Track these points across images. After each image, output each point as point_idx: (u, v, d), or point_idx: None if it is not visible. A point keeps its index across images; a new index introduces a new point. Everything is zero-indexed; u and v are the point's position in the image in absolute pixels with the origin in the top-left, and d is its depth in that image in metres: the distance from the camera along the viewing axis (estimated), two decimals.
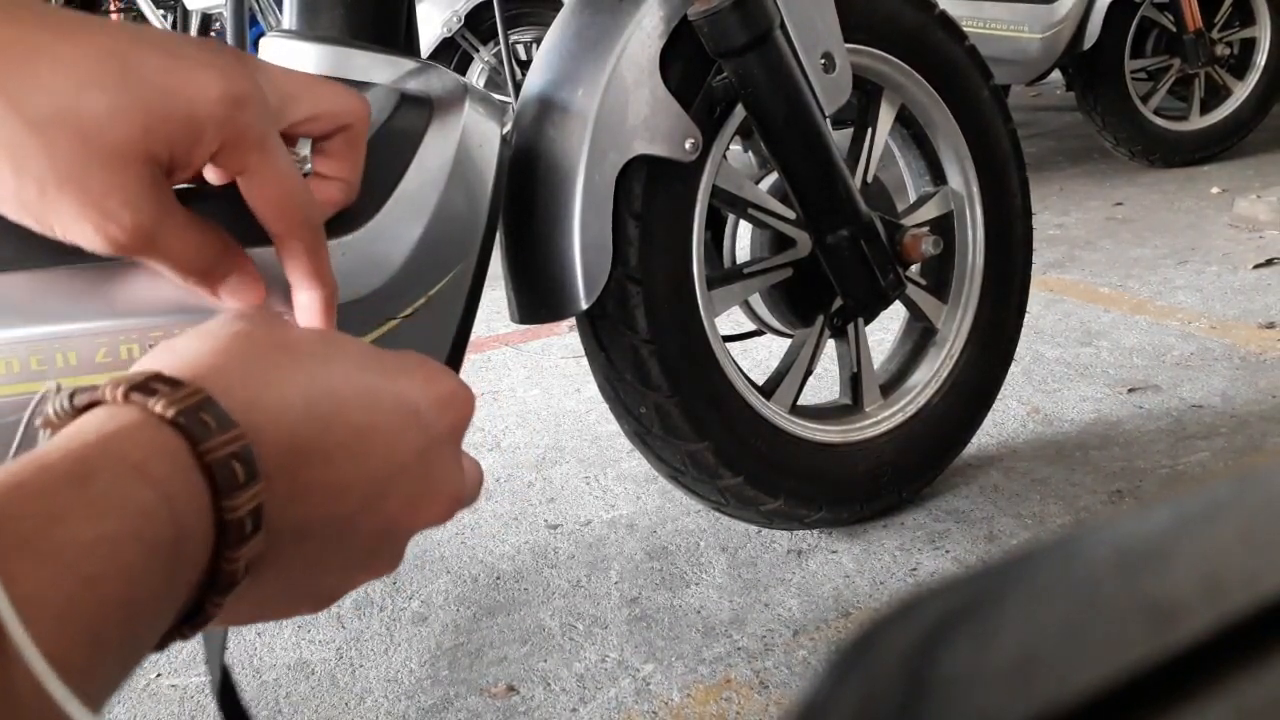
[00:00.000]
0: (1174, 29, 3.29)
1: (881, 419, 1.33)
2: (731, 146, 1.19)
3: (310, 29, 0.86)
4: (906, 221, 1.27)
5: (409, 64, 0.84)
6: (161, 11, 4.54)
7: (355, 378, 0.39)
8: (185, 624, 0.35)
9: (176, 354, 0.37)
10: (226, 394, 0.35)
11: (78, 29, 0.44)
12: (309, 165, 0.59)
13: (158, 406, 0.33)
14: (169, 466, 0.32)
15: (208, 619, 0.35)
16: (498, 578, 1.30)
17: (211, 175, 0.53)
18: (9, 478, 0.29)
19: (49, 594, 0.27)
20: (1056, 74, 3.36)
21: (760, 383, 1.26)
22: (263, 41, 0.86)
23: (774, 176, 1.25)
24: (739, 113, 1.12)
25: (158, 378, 0.34)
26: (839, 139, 1.17)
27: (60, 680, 0.26)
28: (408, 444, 0.40)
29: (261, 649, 1.19)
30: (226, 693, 0.45)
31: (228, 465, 0.33)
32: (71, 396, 0.34)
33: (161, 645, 0.35)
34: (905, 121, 1.35)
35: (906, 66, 1.27)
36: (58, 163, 0.43)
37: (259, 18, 2.26)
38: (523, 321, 1.09)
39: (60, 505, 0.29)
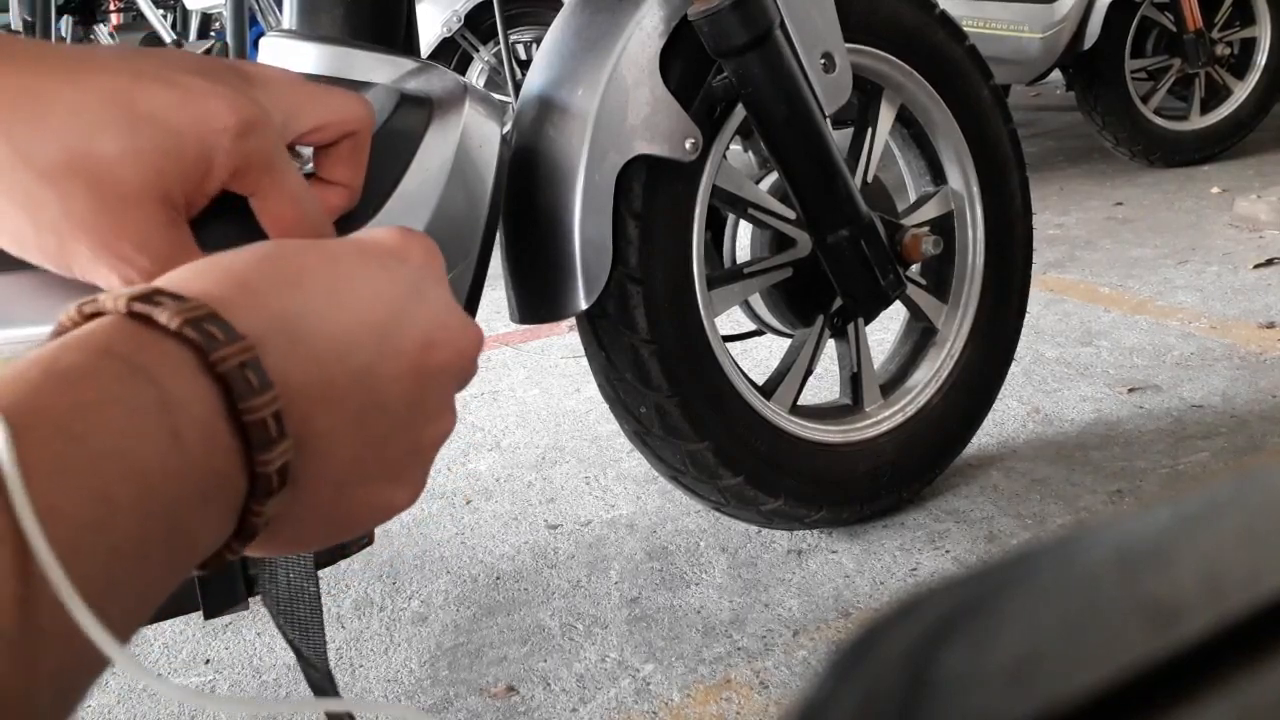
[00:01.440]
0: (1174, 29, 3.29)
1: (881, 419, 1.33)
2: (731, 146, 1.19)
3: (310, 29, 0.86)
4: (906, 221, 1.27)
5: (409, 64, 0.84)
6: (161, 11, 4.54)
7: (314, 250, 0.39)
8: (234, 539, 0.35)
9: (170, 274, 0.37)
10: (232, 304, 0.35)
11: (78, 69, 0.44)
12: (309, 165, 0.59)
13: (162, 317, 0.32)
14: (179, 374, 0.32)
15: (253, 532, 0.35)
16: (498, 578, 1.30)
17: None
18: (21, 384, 0.29)
19: (65, 508, 0.27)
20: (1056, 74, 3.36)
21: (760, 383, 1.26)
22: (263, 41, 0.86)
23: (774, 176, 1.25)
24: (739, 113, 1.12)
25: (159, 292, 0.34)
26: (839, 139, 1.17)
27: (85, 604, 0.26)
28: (392, 279, 0.39)
29: (261, 649, 1.19)
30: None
31: (240, 373, 0.33)
32: (81, 305, 0.34)
33: (212, 564, 0.35)
34: (905, 121, 1.35)
35: (907, 66, 1.27)
36: (71, 211, 0.43)
37: (259, 18, 2.26)
38: (523, 321, 1.09)
39: (73, 415, 0.29)
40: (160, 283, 0.35)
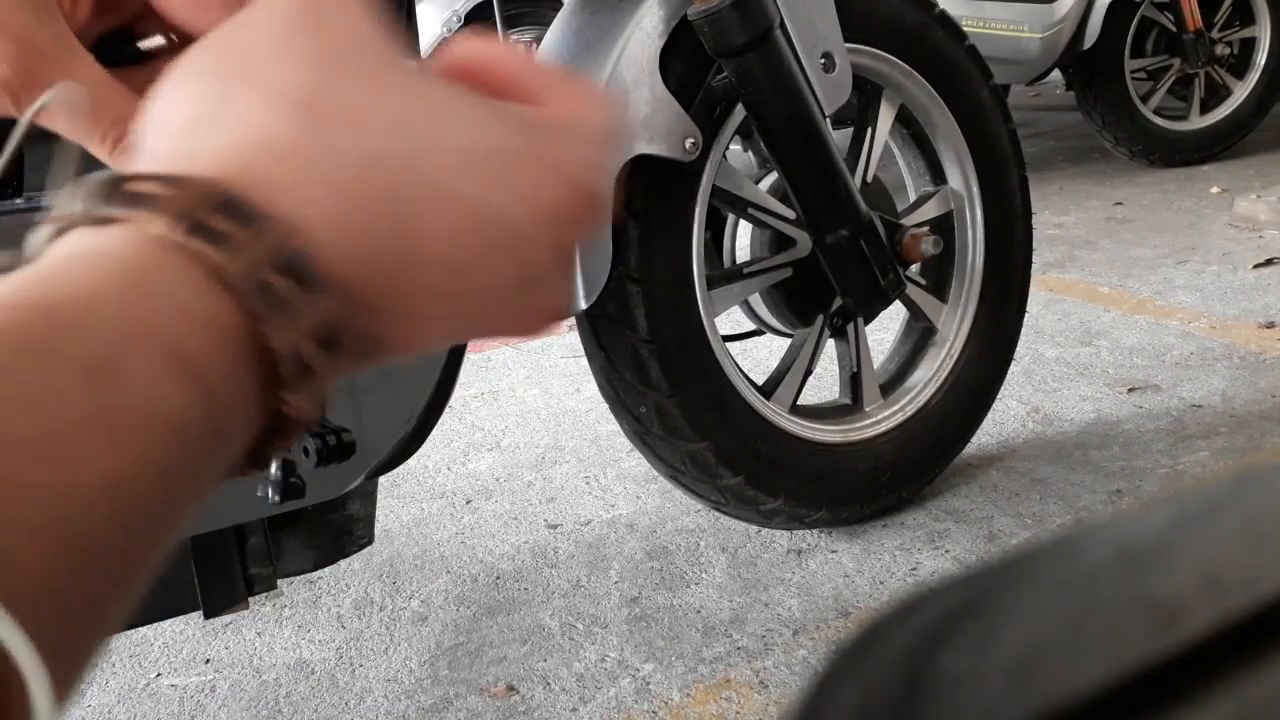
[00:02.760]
0: (1174, 29, 3.29)
1: (881, 419, 1.33)
2: (731, 146, 1.19)
3: None
4: (906, 221, 1.28)
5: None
6: None
7: (396, 86, 0.28)
8: (247, 462, 0.27)
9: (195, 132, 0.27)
10: (266, 169, 0.25)
11: None
12: None
13: (155, 225, 0.24)
14: (183, 298, 0.24)
15: (269, 459, 0.27)
16: (498, 578, 1.30)
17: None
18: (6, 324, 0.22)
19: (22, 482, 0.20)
20: (1056, 74, 3.36)
21: (760, 383, 1.26)
22: None
23: (774, 176, 1.25)
24: (739, 112, 1.12)
25: (140, 178, 0.25)
26: (839, 139, 1.17)
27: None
28: (521, 125, 0.29)
29: (261, 649, 1.19)
30: None
31: (260, 284, 0.24)
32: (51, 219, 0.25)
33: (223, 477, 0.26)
34: (905, 121, 1.35)
35: (906, 66, 1.27)
36: None
37: None
38: None
39: (56, 376, 0.21)
40: (229, 163, 0.26)
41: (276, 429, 0.26)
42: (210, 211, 0.24)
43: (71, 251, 0.24)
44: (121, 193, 0.24)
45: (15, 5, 0.35)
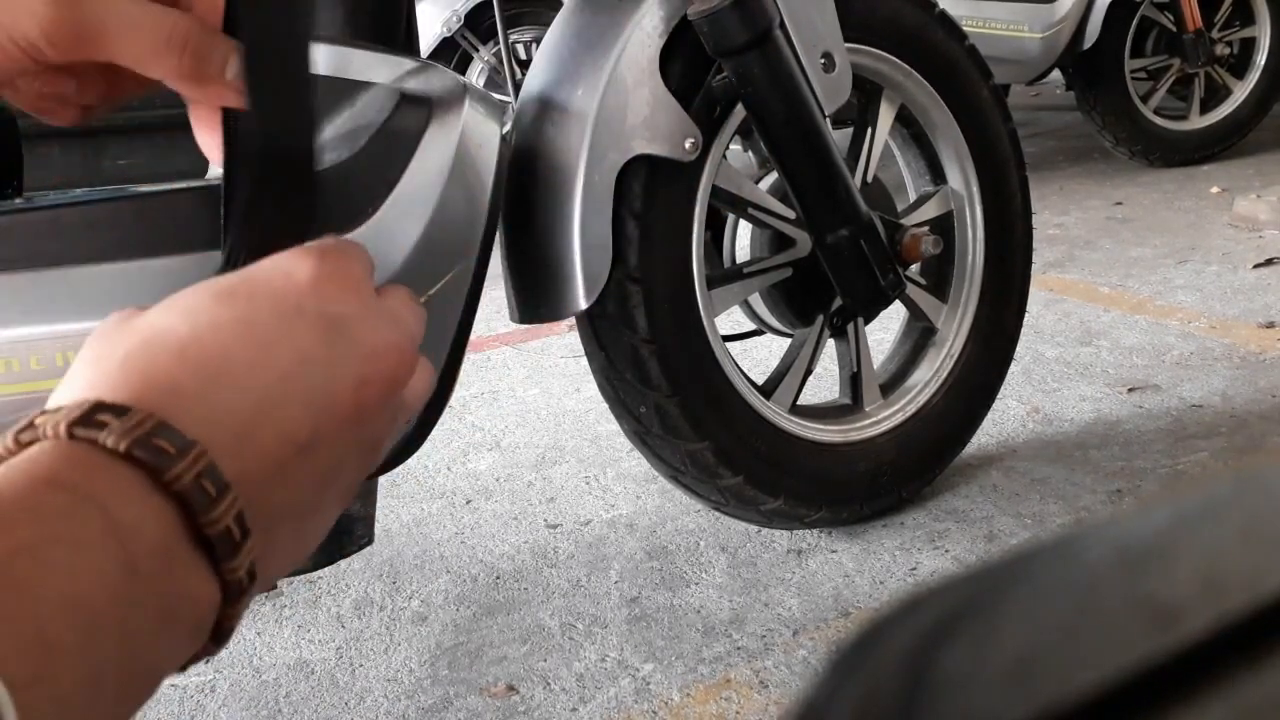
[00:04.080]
0: (1174, 28, 3.29)
1: (881, 418, 1.33)
2: (731, 146, 1.19)
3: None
4: (906, 221, 1.27)
5: (409, 63, 0.84)
6: None
7: (225, 321, 0.37)
8: (210, 641, 0.34)
9: (94, 374, 0.35)
10: (172, 408, 0.33)
11: None
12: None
13: (109, 440, 0.31)
14: (130, 498, 0.31)
15: (229, 631, 0.35)
16: (498, 577, 1.30)
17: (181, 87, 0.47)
18: None
19: (3, 667, 0.26)
20: (1056, 74, 3.36)
21: (760, 383, 1.26)
22: None
23: (774, 176, 1.25)
24: (739, 112, 1.12)
25: (99, 407, 0.32)
26: (839, 139, 1.17)
27: None
28: (310, 328, 0.38)
29: (261, 649, 1.19)
30: None
31: (196, 486, 0.32)
32: (18, 433, 0.32)
33: (186, 666, 0.34)
34: (905, 121, 1.35)
35: (906, 66, 1.27)
36: None
37: None
38: (523, 321, 1.09)
39: (13, 560, 0.28)
40: (91, 391, 0.34)
41: (214, 634, 0.34)
42: (155, 434, 0.32)
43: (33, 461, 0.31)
44: (86, 419, 0.32)
45: None
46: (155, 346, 0.35)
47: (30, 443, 0.32)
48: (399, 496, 1.53)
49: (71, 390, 0.35)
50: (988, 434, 1.55)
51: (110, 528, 0.30)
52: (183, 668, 0.34)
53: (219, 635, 0.34)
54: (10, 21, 0.40)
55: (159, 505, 0.31)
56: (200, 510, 0.32)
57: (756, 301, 1.28)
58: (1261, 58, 3.38)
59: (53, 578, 0.28)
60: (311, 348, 0.37)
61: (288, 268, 0.39)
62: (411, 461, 1.03)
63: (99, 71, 0.45)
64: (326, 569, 1.30)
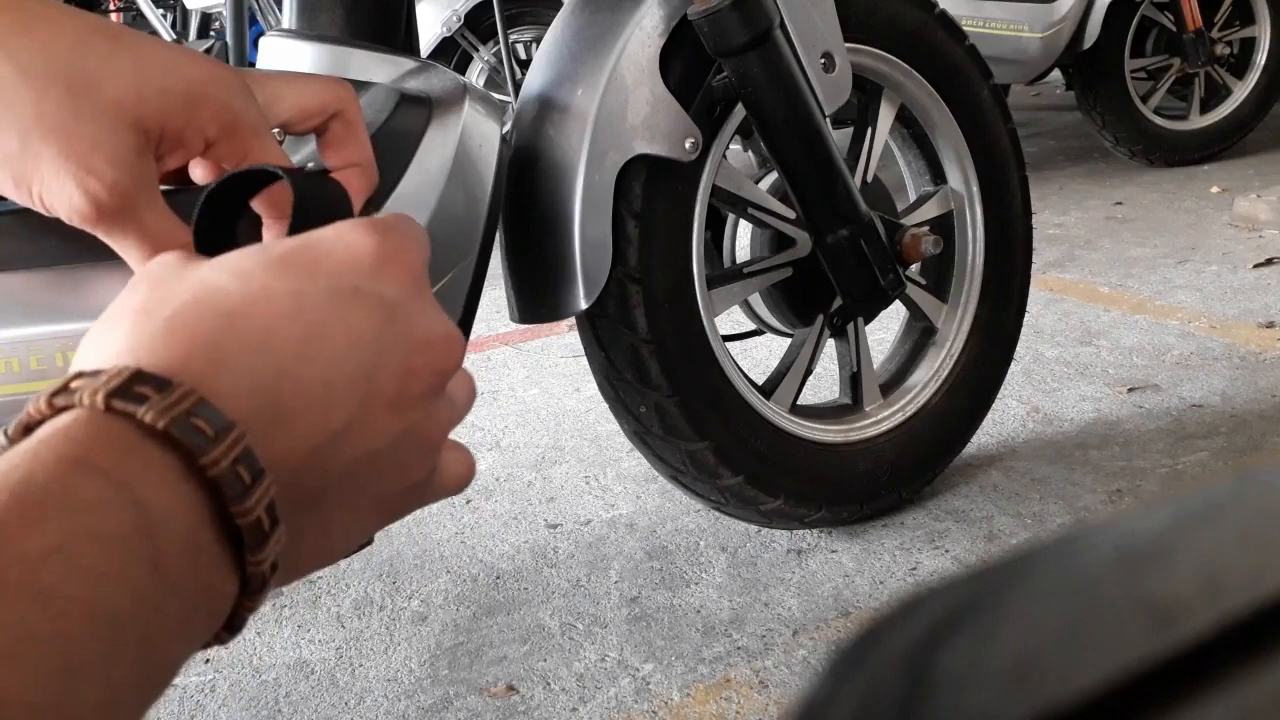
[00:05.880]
0: (1174, 28, 3.29)
1: (881, 418, 1.33)
2: (731, 146, 1.19)
3: (310, 28, 0.86)
4: (906, 221, 1.27)
5: (408, 63, 0.84)
6: (161, 11, 4.54)
7: (279, 293, 0.35)
8: (223, 629, 0.33)
9: (138, 331, 0.34)
10: (212, 380, 0.32)
11: (76, 12, 0.43)
12: (312, 166, 0.58)
13: (148, 416, 0.30)
14: (162, 484, 0.30)
15: (244, 622, 0.34)
16: (498, 577, 1.30)
17: (200, 174, 0.51)
18: None
19: (19, 692, 0.25)
20: (1056, 74, 3.36)
21: (760, 383, 1.26)
22: (263, 41, 0.86)
23: (774, 176, 1.25)
24: (739, 112, 1.12)
25: (139, 376, 0.31)
26: (839, 139, 1.17)
27: None
28: (366, 311, 0.36)
29: (261, 649, 1.19)
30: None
31: (232, 472, 0.31)
32: (52, 396, 0.31)
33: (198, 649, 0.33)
34: (905, 121, 1.35)
35: (906, 66, 1.27)
36: (45, 111, 0.41)
37: (259, 17, 2.26)
38: (523, 321, 1.09)
39: (40, 564, 0.27)
40: (130, 356, 0.33)
41: (243, 588, 0.33)
42: (194, 412, 0.31)
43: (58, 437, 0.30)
44: (126, 390, 0.31)
45: (127, 145, 0.43)
46: (205, 307, 0.34)
47: (64, 408, 0.31)
48: None
49: (112, 341, 0.34)
50: (988, 434, 1.55)
51: (141, 522, 0.29)
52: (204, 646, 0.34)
53: (233, 625, 0.33)
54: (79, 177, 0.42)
55: (189, 492, 0.30)
56: (233, 499, 0.31)
57: (756, 301, 1.28)
58: (1261, 57, 3.38)
59: (82, 588, 0.27)
60: (363, 332, 0.36)
61: (351, 239, 0.38)
62: None
63: None
64: (327, 569, 1.30)
